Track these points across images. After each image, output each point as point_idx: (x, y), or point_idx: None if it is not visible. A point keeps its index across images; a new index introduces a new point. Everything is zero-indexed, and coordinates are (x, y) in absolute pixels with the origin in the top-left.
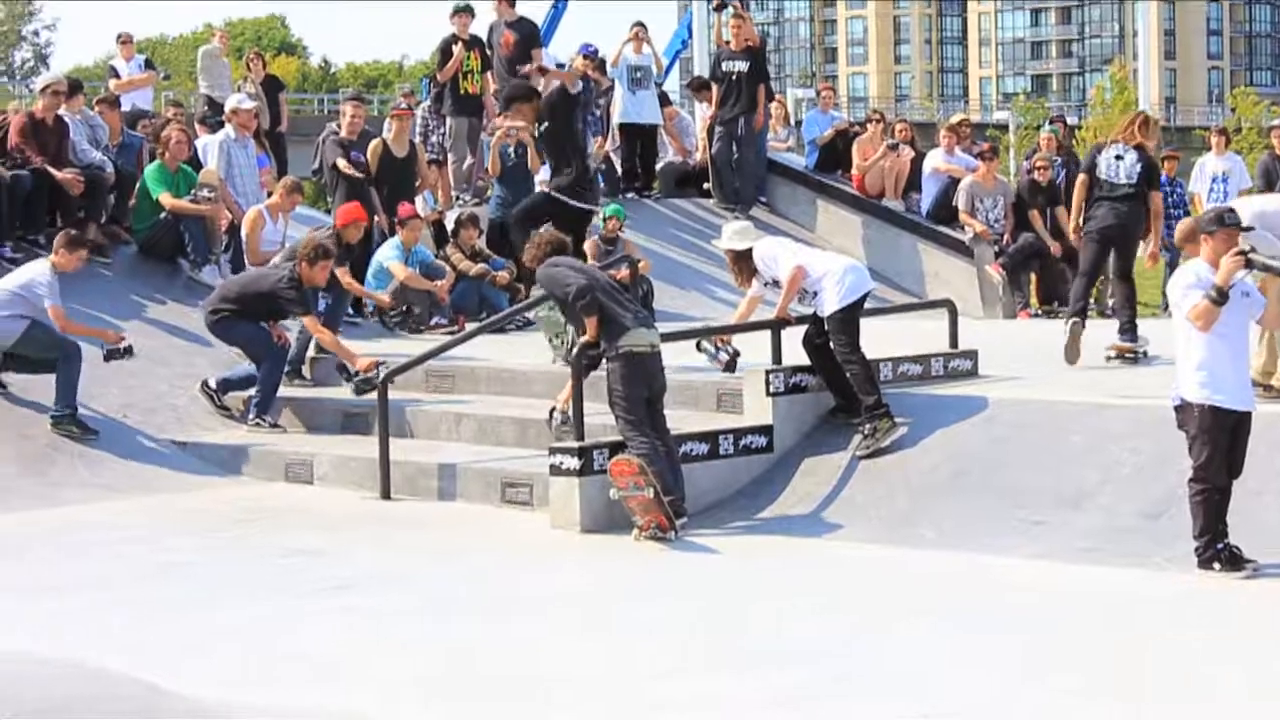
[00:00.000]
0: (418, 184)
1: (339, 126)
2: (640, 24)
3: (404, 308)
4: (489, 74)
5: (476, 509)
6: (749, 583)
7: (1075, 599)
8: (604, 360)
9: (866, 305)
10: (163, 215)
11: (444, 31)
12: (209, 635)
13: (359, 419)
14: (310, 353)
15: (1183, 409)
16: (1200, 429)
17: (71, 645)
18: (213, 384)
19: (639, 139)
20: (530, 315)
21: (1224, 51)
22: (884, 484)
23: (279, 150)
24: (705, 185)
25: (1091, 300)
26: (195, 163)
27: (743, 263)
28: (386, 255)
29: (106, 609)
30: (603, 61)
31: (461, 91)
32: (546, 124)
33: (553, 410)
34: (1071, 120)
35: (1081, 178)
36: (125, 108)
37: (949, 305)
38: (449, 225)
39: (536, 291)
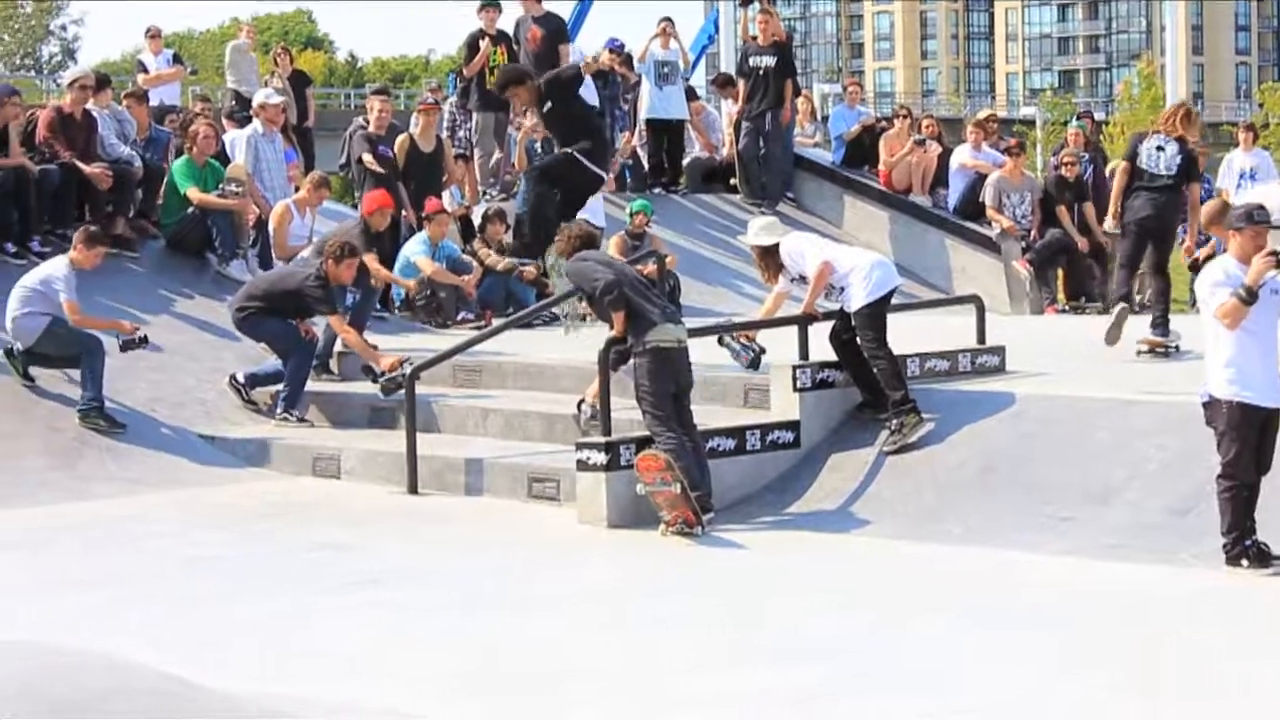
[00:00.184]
0: (445, 179)
1: (367, 121)
2: (668, 19)
3: (429, 292)
4: None
5: (503, 504)
6: (775, 578)
7: (1102, 595)
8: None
9: (893, 301)
10: (190, 210)
11: (471, 26)
12: (237, 629)
13: (386, 414)
14: (338, 347)
15: (1211, 405)
16: (1229, 425)
17: (100, 639)
18: (240, 378)
19: (665, 134)
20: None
21: (1252, 47)
22: (911, 480)
23: (306, 145)
24: (732, 180)
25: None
26: (223, 158)
27: (769, 258)
28: (414, 250)
29: (135, 603)
30: (629, 56)
31: (488, 86)
32: (550, 104)
33: (580, 403)
34: (1099, 116)
35: (1123, 165)
36: (153, 103)
37: (976, 301)
38: (476, 220)
39: (564, 284)
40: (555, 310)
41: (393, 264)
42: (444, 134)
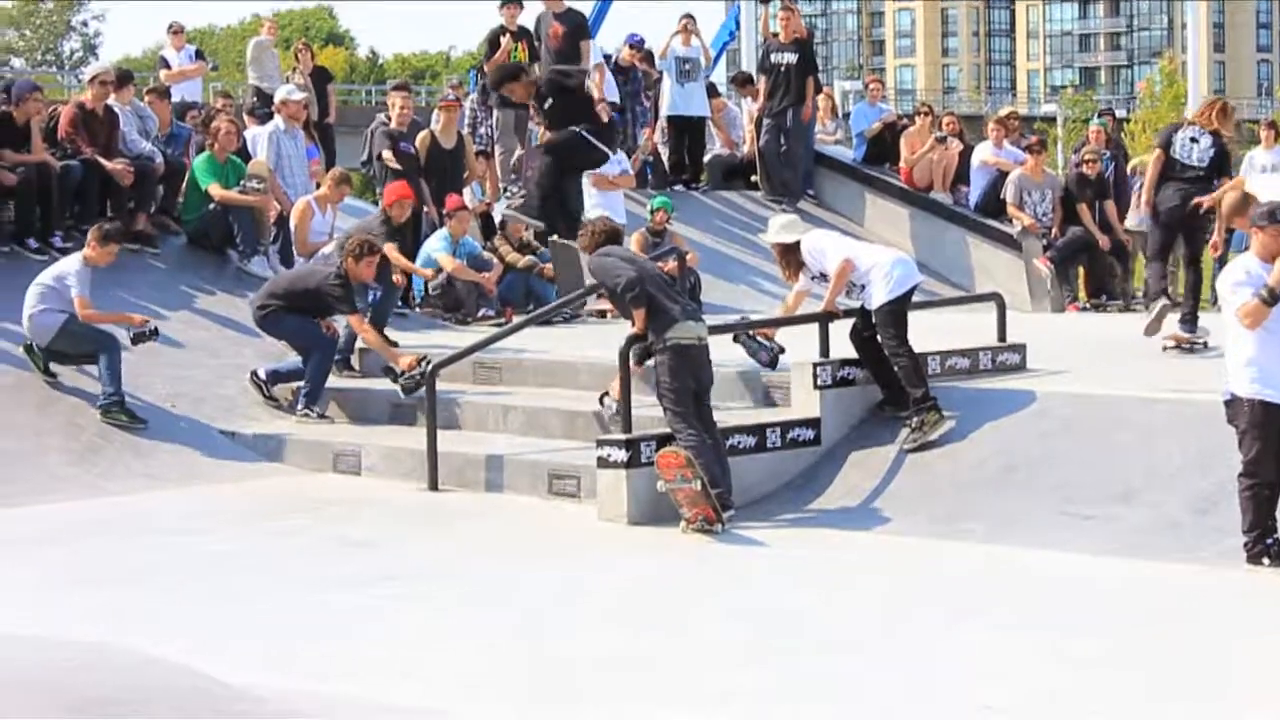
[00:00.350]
0: (465, 175)
1: (388, 118)
2: (689, 16)
3: (444, 281)
4: (537, 65)
5: (524, 500)
6: (795, 575)
7: (1124, 594)
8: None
9: (914, 298)
10: (212, 206)
11: (492, 23)
12: (260, 625)
13: (407, 410)
14: (359, 344)
15: (1233, 404)
16: (1250, 424)
17: (124, 635)
18: (262, 375)
19: (687, 131)
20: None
21: (1273, 44)
22: (931, 478)
23: (327, 141)
24: (753, 178)
25: (1139, 294)
26: (244, 154)
27: (790, 256)
28: (434, 247)
29: (157, 599)
30: (650, 52)
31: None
32: (551, 100)
33: (603, 398)
34: (1120, 114)
35: (1156, 153)
36: (175, 99)
37: (997, 299)
38: (497, 217)
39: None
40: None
41: (414, 260)
42: (465, 130)
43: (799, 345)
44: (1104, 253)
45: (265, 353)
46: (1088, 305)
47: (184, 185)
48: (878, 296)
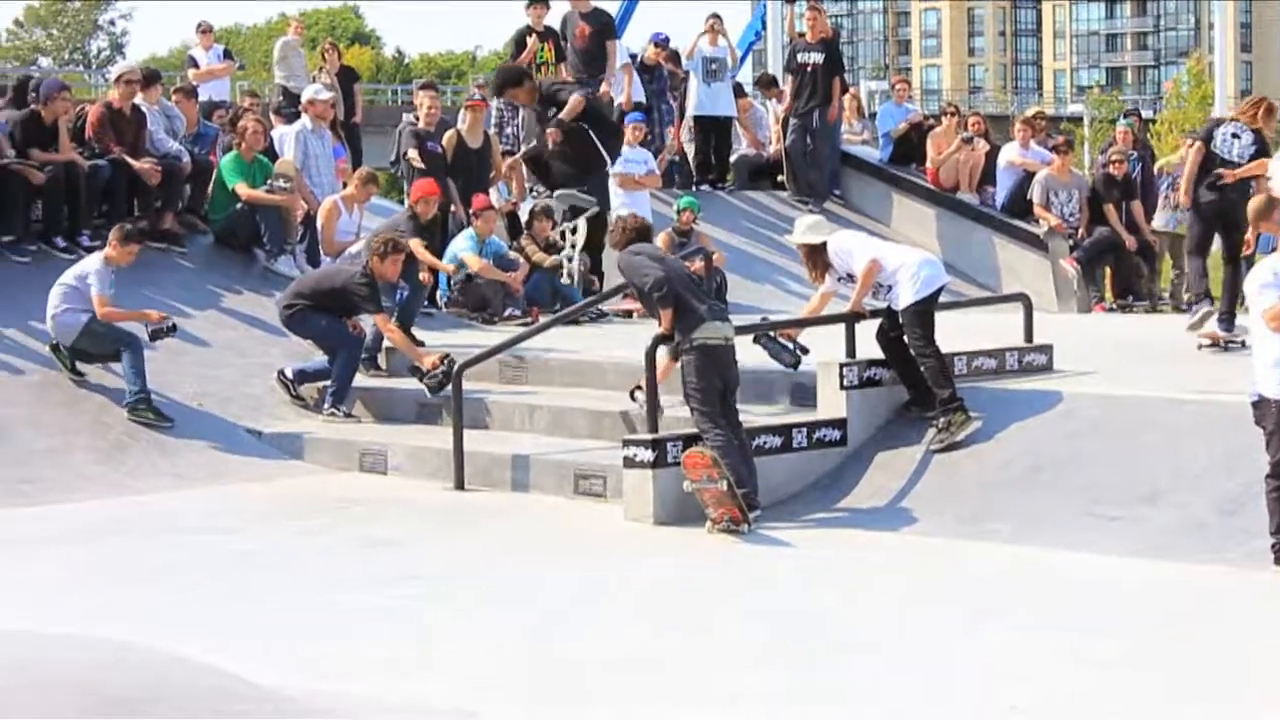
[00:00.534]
0: (492, 175)
1: (416, 117)
2: (716, 16)
3: (464, 277)
4: (563, 65)
5: (550, 500)
6: (821, 576)
7: (1150, 595)
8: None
9: (941, 299)
10: (239, 205)
11: (518, 22)
12: (286, 624)
13: (433, 410)
14: (385, 343)
15: (1260, 405)
16: (1278, 425)
17: (151, 634)
18: (289, 374)
19: (713, 131)
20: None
21: None
22: (958, 479)
23: (354, 141)
24: (779, 178)
25: (1165, 294)
26: (271, 153)
27: (817, 257)
28: (461, 246)
29: (184, 598)
30: (675, 51)
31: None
32: (556, 107)
33: (634, 392)
34: (1146, 114)
35: (1197, 145)
36: (202, 98)
37: (1024, 299)
38: (523, 217)
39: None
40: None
41: (439, 259)
42: (491, 130)
43: (826, 346)
44: (1130, 253)
45: (292, 352)
46: (1114, 306)
47: (211, 184)
48: (905, 297)
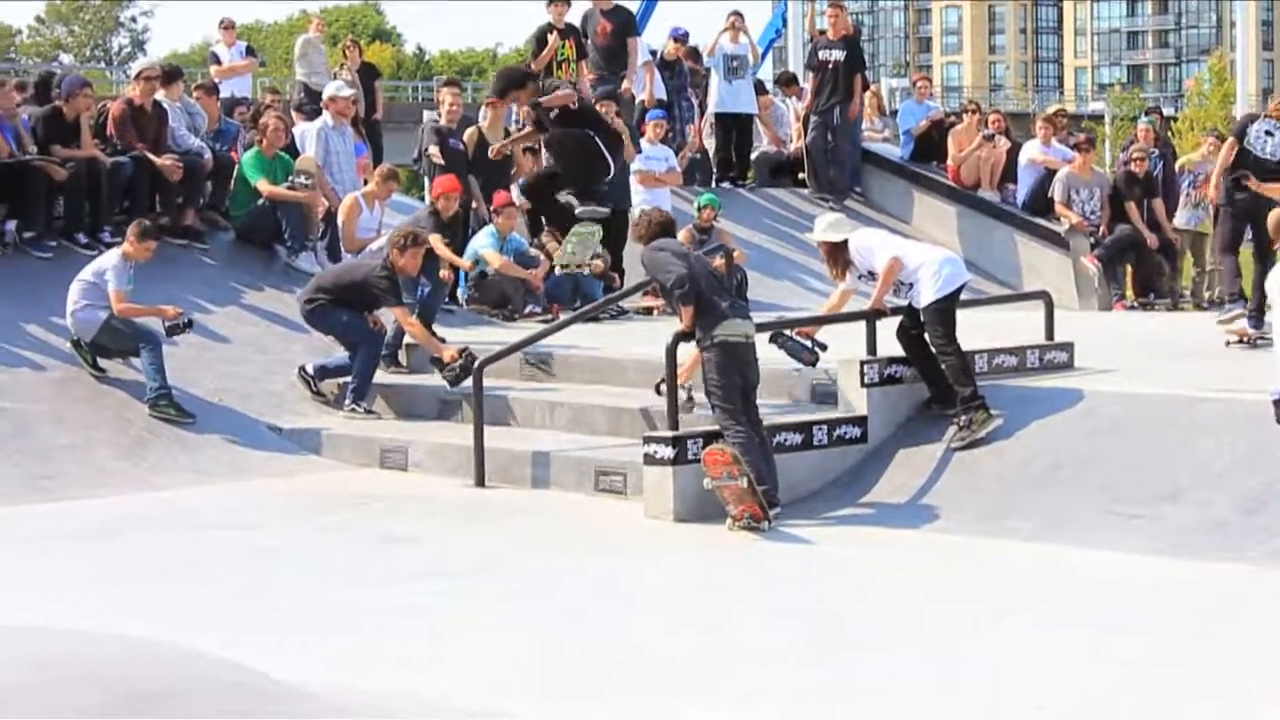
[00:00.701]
0: (513, 172)
1: (439, 115)
2: (737, 13)
3: (481, 274)
4: (584, 63)
5: (570, 497)
6: (841, 573)
7: (1171, 594)
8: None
9: (962, 297)
10: (260, 202)
11: (539, 20)
12: (308, 621)
13: (454, 406)
14: (406, 339)
15: None
16: None
17: (173, 629)
18: (309, 370)
19: (734, 128)
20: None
21: None
22: (978, 476)
23: (374, 138)
24: (800, 175)
25: (1186, 292)
26: (292, 150)
27: (837, 254)
28: (481, 243)
29: (206, 593)
30: (695, 48)
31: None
32: (558, 111)
33: (659, 386)
34: (1167, 112)
35: (1230, 141)
36: (224, 94)
37: (1045, 297)
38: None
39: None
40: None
41: (461, 256)
42: (513, 127)
43: (847, 343)
44: (1152, 251)
45: (313, 348)
46: (1135, 304)
47: (232, 181)
48: (926, 295)
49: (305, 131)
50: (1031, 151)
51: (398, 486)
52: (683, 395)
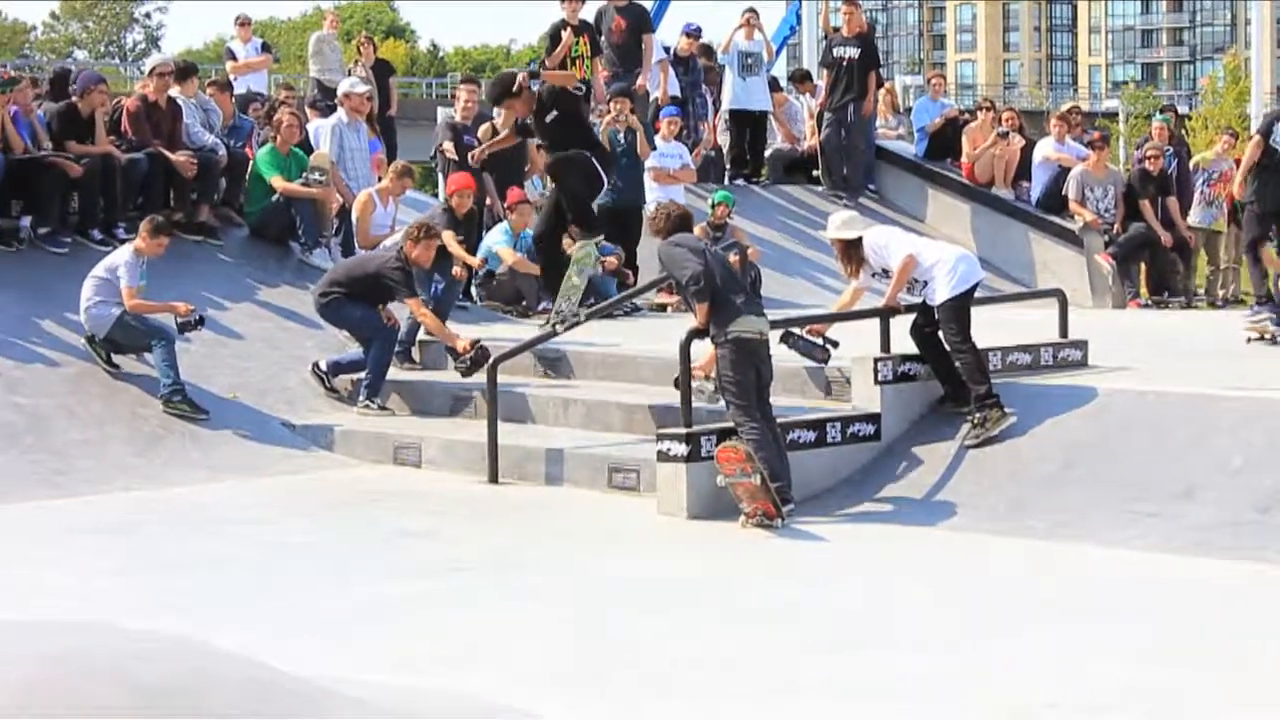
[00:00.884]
0: (527, 169)
1: (454, 111)
2: (752, 10)
3: (488, 272)
4: (598, 59)
5: (583, 494)
6: (855, 571)
7: (1187, 592)
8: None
9: (976, 294)
10: (274, 198)
11: (553, 16)
12: (322, 617)
13: (467, 403)
14: (420, 335)
15: None
16: None
17: (188, 625)
18: (323, 366)
19: (748, 125)
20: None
21: None
22: (992, 474)
23: (388, 134)
24: (814, 172)
25: (1200, 291)
26: (306, 146)
27: (851, 252)
28: (495, 240)
29: (220, 589)
30: (708, 45)
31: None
32: (555, 114)
33: (677, 380)
34: (1182, 110)
35: (1256, 139)
36: (239, 90)
37: (1059, 295)
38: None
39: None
40: (559, 307)
41: (474, 253)
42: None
43: (860, 341)
44: (1166, 249)
45: (327, 344)
46: (1149, 302)
47: (247, 177)
48: (941, 292)
49: (320, 128)
50: (1046, 149)
51: (411, 483)
52: (709, 387)
